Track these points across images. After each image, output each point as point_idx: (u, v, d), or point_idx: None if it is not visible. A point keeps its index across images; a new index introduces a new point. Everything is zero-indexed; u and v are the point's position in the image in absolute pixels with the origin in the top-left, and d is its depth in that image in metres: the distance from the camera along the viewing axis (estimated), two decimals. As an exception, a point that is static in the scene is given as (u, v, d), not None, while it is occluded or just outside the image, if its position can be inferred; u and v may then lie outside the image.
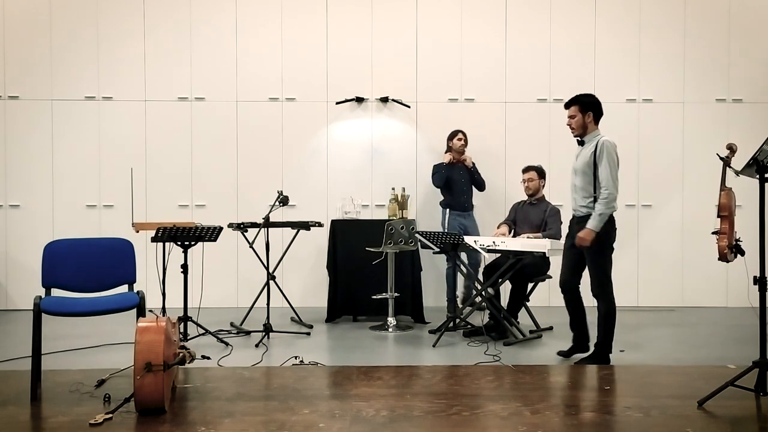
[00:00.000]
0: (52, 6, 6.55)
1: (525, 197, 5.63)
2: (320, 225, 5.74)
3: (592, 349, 4.48)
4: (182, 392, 3.70)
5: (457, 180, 6.15)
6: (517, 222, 5.60)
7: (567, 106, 4.42)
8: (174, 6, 6.60)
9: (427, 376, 4.08)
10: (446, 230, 6.15)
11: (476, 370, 4.22)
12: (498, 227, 5.59)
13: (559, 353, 4.63)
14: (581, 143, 4.40)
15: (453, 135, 6.17)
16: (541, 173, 5.59)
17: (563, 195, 6.61)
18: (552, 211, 5.45)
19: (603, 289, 4.34)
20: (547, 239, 5.07)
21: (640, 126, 6.70)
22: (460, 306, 5.77)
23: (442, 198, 6.26)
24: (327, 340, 5.26)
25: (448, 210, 6.17)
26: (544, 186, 5.62)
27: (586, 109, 4.34)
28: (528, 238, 5.17)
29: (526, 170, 5.61)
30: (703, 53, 6.71)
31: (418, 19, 6.69)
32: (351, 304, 5.92)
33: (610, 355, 4.39)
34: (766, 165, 3.40)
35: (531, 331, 5.30)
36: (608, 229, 4.29)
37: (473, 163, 6.17)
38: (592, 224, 4.22)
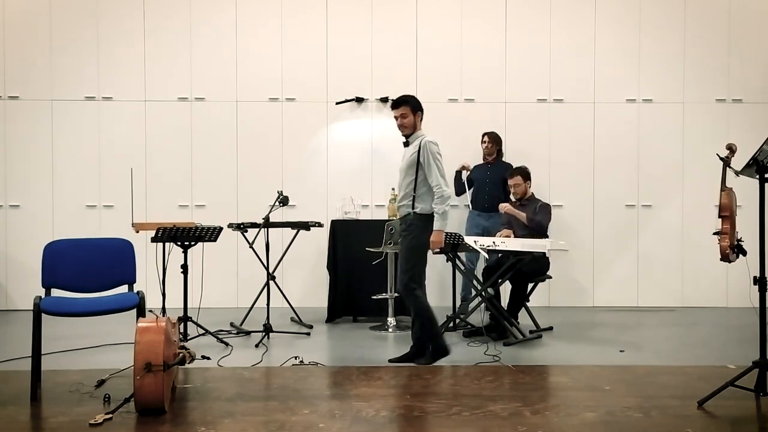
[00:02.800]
0: (52, 6, 6.55)
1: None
2: (320, 225, 5.74)
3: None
4: (182, 392, 3.71)
5: (480, 179, 6.27)
6: (511, 223, 5.58)
7: (396, 105, 4.41)
8: (174, 6, 6.60)
9: (427, 376, 4.08)
10: (465, 229, 6.19)
11: (476, 370, 4.22)
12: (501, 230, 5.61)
13: (390, 360, 4.42)
14: (407, 144, 4.44)
15: (481, 138, 6.32)
16: (525, 176, 5.57)
17: (563, 195, 6.63)
18: (542, 207, 5.47)
19: (407, 290, 4.31)
20: (546, 240, 5.07)
21: (640, 126, 6.70)
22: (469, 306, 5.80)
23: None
24: (327, 340, 5.26)
25: (469, 209, 6.33)
26: (530, 186, 5.61)
27: (417, 108, 4.40)
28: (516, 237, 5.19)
29: (510, 175, 5.61)
30: (703, 53, 6.71)
31: (418, 19, 6.69)
32: (351, 304, 5.92)
33: (448, 348, 4.37)
34: (766, 165, 3.40)
35: (531, 332, 5.30)
36: (425, 229, 4.31)
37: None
38: (438, 225, 4.29)
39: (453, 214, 6.56)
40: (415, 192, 4.32)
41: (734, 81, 6.71)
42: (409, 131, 4.41)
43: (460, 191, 6.37)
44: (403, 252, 4.36)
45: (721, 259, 3.78)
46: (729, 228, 3.75)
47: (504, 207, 5.50)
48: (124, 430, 3.14)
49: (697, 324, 5.87)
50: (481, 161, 6.38)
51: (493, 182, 6.19)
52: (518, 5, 6.69)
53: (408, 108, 4.38)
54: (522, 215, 5.37)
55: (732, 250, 3.73)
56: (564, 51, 6.69)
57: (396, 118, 4.42)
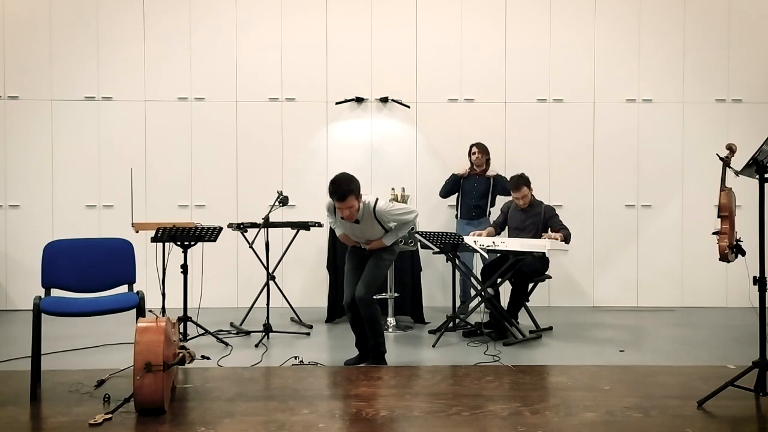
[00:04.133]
0: (52, 6, 6.55)
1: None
2: (320, 225, 5.73)
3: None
4: (182, 392, 3.71)
5: (468, 190, 6.22)
6: (510, 226, 5.54)
7: (342, 198, 4.14)
8: (174, 6, 6.60)
9: (427, 376, 4.08)
10: None
11: (476, 370, 4.22)
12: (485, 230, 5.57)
13: (347, 362, 4.41)
14: (357, 221, 4.31)
15: (469, 150, 6.22)
16: (529, 184, 5.43)
17: (563, 195, 6.62)
18: (551, 212, 5.40)
19: (370, 297, 4.31)
20: (546, 240, 5.06)
21: (640, 126, 6.70)
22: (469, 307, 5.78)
23: (441, 199, 6.31)
24: (327, 340, 5.26)
25: (457, 218, 6.32)
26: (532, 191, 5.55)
27: (359, 191, 4.22)
28: (549, 238, 5.06)
29: (517, 188, 5.39)
30: (703, 53, 6.71)
31: (418, 19, 6.69)
32: (351, 304, 5.91)
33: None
34: (765, 165, 3.40)
35: (531, 332, 5.30)
36: (396, 249, 4.58)
37: (497, 174, 6.19)
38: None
39: (441, 219, 6.59)
40: (387, 231, 4.39)
41: (734, 81, 6.70)
42: (355, 217, 4.25)
43: (449, 194, 6.33)
44: (378, 263, 4.38)
45: (719, 259, 3.78)
46: (728, 228, 3.75)
47: (550, 237, 5.17)
48: (124, 430, 3.14)
49: (697, 324, 5.87)
50: (465, 170, 6.24)
51: (480, 193, 6.17)
52: (518, 5, 6.68)
53: (353, 197, 4.15)
54: (560, 236, 5.17)
55: (731, 250, 3.73)
56: (564, 51, 6.69)
57: (341, 209, 4.19)
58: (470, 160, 6.22)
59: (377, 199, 4.32)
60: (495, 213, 6.07)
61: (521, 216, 5.46)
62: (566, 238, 5.20)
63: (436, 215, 6.58)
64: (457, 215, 6.34)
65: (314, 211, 6.43)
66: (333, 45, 6.67)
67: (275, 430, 3.13)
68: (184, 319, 4.96)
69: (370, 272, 4.35)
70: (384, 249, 4.42)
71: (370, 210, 4.28)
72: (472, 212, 6.18)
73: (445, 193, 6.33)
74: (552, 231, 5.18)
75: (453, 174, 6.28)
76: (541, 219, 5.35)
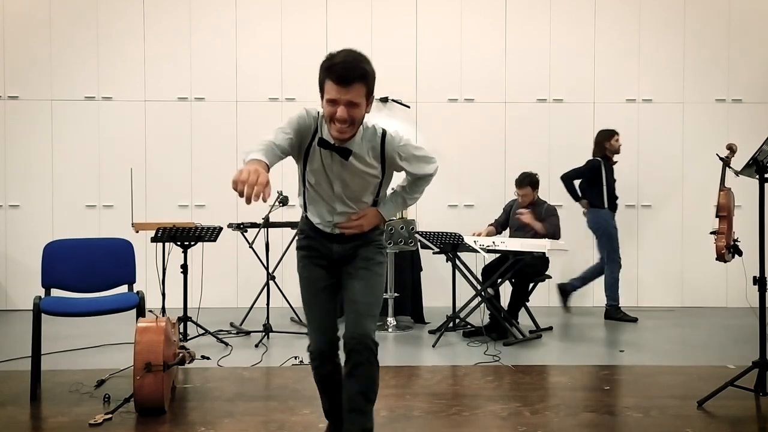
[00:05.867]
0: (52, 6, 6.55)
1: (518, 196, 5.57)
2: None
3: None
4: (182, 392, 3.71)
5: (611, 182, 6.00)
6: (510, 225, 5.56)
7: (348, 81, 2.62)
8: (174, 6, 6.60)
9: (427, 376, 4.08)
10: (610, 231, 5.88)
11: (476, 370, 4.22)
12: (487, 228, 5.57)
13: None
14: (345, 153, 2.65)
15: (610, 135, 5.97)
16: (534, 185, 5.46)
17: (563, 194, 6.61)
18: (549, 210, 5.43)
19: (373, 343, 2.53)
20: (546, 240, 5.06)
21: (640, 126, 6.70)
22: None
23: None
24: (327, 340, 5.25)
25: (607, 210, 5.98)
26: (536, 193, 5.54)
27: (372, 91, 2.65)
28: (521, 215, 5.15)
29: (520, 185, 5.45)
30: (703, 53, 6.71)
31: (417, 18, 6.69)
32: (351, 304, 5.91)
33: None
34: (765, 165, 3.40)
35: (531, 332, 5.30)
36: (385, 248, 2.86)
37: None
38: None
39: (451, 214, 6.60)
40: (377, 197, 2.76)
41: (734, 81, 6.70)
42: (352, 131, 2.56)
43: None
44: (373, 274, 2.63)
45: (716, 259, 3.79)
46: (726, 228, 3.76)
47: (525, 217, 5.35)
48: (124, 430, 3.14)
49: (697, 324, 5.87)
50: (592, 157, 6.02)
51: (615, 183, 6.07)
52: (518, 5, 6.68)
53: (365, 88, 2.54)
54: (538, 225, 5.32)
55: (728, 250, 3.74)
56: (564, 51, 6.69)
57: (337, 103, 2.51)
58: (612, 147, 5.95)
59: (386, 130, 2.65)
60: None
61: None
62: (549, 234, 5.22)
63: (436, 215, 6.56)
64: (604, 207, 5.96)
65: (314, 211, 6.44)
66: (333, 45, 6.59)
67: (275, 430, 3.13)
68: (184, 319, 4.96)
69: (367, 290, 2.59)
70: (372, 246, 2.69)
71: (375, 139, 2.62)
72: (617, 204, 6.02)
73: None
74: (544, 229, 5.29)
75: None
76: (541, 216, 5.39)
